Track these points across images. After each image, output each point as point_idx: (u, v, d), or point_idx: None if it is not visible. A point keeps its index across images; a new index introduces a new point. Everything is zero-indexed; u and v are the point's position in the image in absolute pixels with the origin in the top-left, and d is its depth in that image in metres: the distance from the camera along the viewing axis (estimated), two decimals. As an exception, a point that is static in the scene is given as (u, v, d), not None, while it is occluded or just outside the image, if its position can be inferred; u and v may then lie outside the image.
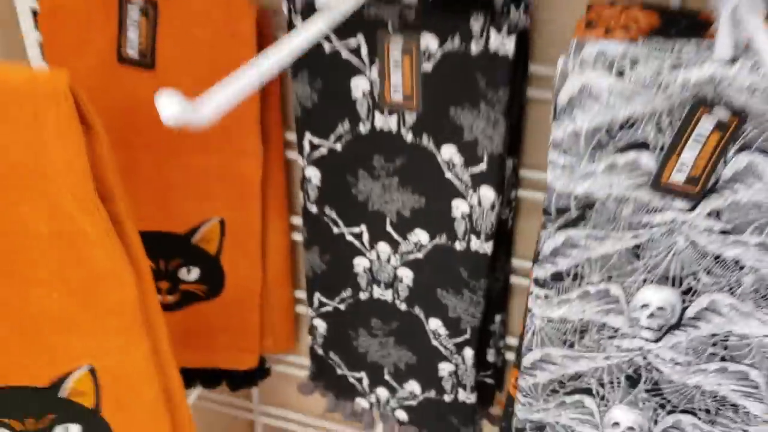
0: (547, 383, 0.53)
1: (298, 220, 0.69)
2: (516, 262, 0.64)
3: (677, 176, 0.44)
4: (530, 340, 0.52)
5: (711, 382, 0.50)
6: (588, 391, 0.53)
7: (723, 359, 0.49)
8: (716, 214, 0.45)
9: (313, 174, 0.61)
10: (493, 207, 0.56)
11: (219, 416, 0.91)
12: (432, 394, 0.67)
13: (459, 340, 0.63)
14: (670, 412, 0.52)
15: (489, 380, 0.69)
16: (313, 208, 0.63)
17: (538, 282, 0.49)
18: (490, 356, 0.67)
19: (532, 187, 0.60)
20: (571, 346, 0.52)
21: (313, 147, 0.60)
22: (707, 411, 0.51)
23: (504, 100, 0.51)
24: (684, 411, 0.52)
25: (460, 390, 0.65)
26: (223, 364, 0.77)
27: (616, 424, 0.53)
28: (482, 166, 0.55)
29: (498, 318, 0.66)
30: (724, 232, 0.46)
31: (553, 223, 0.47)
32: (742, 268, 0.47)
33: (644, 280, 0.48)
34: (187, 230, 0.70)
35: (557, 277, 0.49)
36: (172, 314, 0.74)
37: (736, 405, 0.50)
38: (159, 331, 0.58)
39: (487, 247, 0.58)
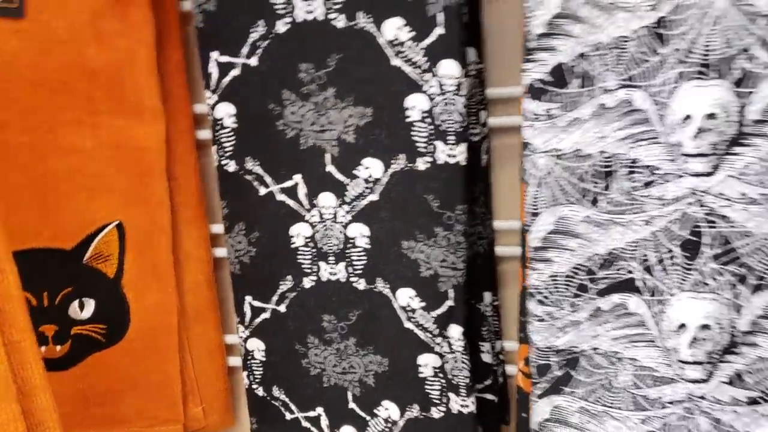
0: (570, 274, 0.38)
1: (219, 228, 0.54)
2: (499, 224, 0.49)
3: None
4: (534, 196, 0.37)
5: None
6: (631, 285, 0.37)
7: None
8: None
9: (226, 112, 0.48)
10: (458, 88, 0.42)
11: None
12: (415, 412, 0.49)
13: (440, 311, 0.46)
14: (755, 289, 0.36)
15: (490, 396, 0.50)
16: (231, 165, 0.49)
17: (534, 90, 0.36)
18: (486, 356, 0.50)
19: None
20: (594, 201, 0.37)
21: (223, 69, 0.47)
22: None
23: None
24: None
25: (452, 396, 0.47)
26: (137, 446, 0.57)
27: (683, 326, 0.37)
28: (439, 44, 0.42)
29: (488, 297, 0.50)
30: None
31: None
32: None
33: (680, 75, 0.35)
34: (76, 245, 0.53)
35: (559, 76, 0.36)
36: (63, 375, 0.55)
37: None
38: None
39: (458, 154, 0.44)
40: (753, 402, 0.37)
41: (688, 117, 0.35)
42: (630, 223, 0.36)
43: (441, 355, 0.47)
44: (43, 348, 0.55)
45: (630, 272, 0.37)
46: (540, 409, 0.41)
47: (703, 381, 0.37)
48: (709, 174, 0.35)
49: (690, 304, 0.36)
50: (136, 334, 0.55)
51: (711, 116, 0.35)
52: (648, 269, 0.36)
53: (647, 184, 0.36)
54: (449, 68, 0.43)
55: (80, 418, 0.57)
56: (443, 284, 0.46)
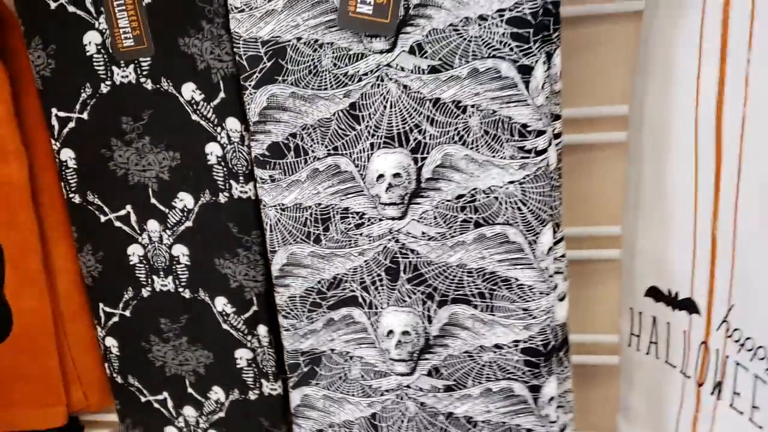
0: (304, 294, 0.48)
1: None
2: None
3: (363, 7, 0.42)
4: (271, 239, 0.48)
5: (474, 257, 0.46)
6: (354, 301, 0.48)
7: (478, 224, 0.45)
8: (418, 49, 0.43)
9: (68, 156, 0.58)
10: (242, 139, 0.52)
11: None
12: (236, 394, 0.60)
13: (247, 314, 0.57)
14: (441, 304, 0.47)
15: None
16: (76, 197, 0.59)
17: (258, 161, 0.47)
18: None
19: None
20: (318, 240, 0.47)
21: (62, 122, 0.57)
22: (482, 295, 0.46)
23: None
24: (457, 300, 0.46)
25: (264, 382, 0.58)
26: (26, 424, 0.68)
27: (391, 332, 0.48)
28: (223, 105, 0.52)
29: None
30: (434, 70, 0.43)
31: None
32: (464, 110, 0.44)
33: (372, 145, 0.45)
34: (-38, 262, 0.64)
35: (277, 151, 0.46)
36: (-42, 370, 0.66)
37: (508, 279, 0.45)
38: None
39: (249, 190, 0.54)
40: (449, 389, 0.48)
41: (381, 176, 0.45)
42: (348, 255, 0.46)
43: (252, 350, 0.58)
44: (-59, 347, 0.66)
45: (353, 291, 0.47)
46: (294, 398, 0.52)
47: (408, 374, 0.48)
48: (400, 218, 0.45)
49: (394, 316, 0.47)
50: (19, 333, 0.66)
51: (396, 175, 0.45)
52: (365, 288, 0.47)
53: (358, 226, 0.46)
54: (232, 124, 0.53)
55: (-23, 403, 0.68)
56: (248, 293, 0.57)
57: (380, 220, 0.45)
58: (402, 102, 0.43)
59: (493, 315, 0.45)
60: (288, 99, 0.44)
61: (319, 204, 0.45)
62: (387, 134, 0.44)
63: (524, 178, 0.43)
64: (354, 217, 0.45)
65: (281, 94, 0.44)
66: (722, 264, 0.43)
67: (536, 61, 0.41)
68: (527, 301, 0.45)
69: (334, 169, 0.45)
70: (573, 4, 0.55)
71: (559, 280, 0.46)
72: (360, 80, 0.43)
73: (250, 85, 0.45)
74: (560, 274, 0.46)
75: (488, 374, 0.46)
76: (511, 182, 0.43)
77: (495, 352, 0.45)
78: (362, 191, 0.45)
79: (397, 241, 0.45)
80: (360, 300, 0.47)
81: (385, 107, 0.43)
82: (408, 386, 0.47)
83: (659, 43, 0.44)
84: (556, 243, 0.45)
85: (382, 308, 0.46)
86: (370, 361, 0.48)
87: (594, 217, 0.59)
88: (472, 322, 0.45)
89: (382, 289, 0.46)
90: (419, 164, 0.44)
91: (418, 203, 0.45)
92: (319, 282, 0.47)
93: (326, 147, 0.44)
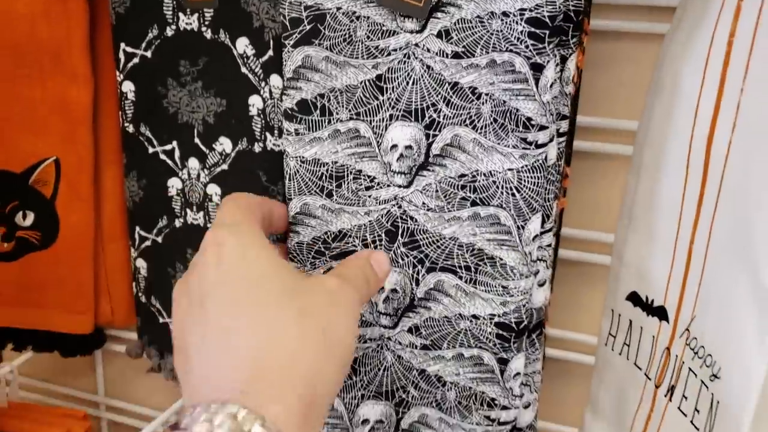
0: (311, 242, 0.52)
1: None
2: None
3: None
4: (289, 187, 0.52)
5: (466, 233, 0.49)
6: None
7: (474, 204, 0.49)
8: (445, 34, 0.47)
9: (129, 88, 0.64)
10: (281, 96, 0.57)
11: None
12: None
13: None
14: (430, 270, 0.51)
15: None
16: (130, 127, 0.65)
17: (287, 114, 0.50)
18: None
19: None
20: (330, 195, 0.51)
21: (128, 56, 0.63)
22: (467, 268, 0.50)
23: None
24: (444, 269, 0.50)
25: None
26: (56, 325, 0.75)
27: (382, 288, 0.52)
28: (270, 62, 0.57)
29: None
30: (457, 56, 0.47)
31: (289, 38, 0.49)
32: (479, 97, 0.47)
33: (391, 116, 0.48)
34: (24, 170, 0.71)
35: (305, 107, 0.50)
36: (8, 265, 0.73)
37: (493, 258, 0.49)
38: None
39: (281, 144, 0.59)
40: (425, 347, 0.52)
41: (395, 146, 0.49)
42: (355, 212, 0.50)
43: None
44: (-6, 243, 0.73)
45: (354, 246, 0.51)
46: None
47: (392, 328, 0.52)
48: (406, 187, 0.49)
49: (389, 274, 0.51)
50: (62, 242, 0.73)
51: (408, 147, 0.49)
52: (366, 245, 0.51)
53: (368, 188, 0.50)
54: (276, 80, 0.58)
55: (18, 298, 0.74)
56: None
57: (388, 185, 0.49)
58: (424, 80, 0.47)
59: (475, 288, 0.49)
60: (321, 62, 0.48)
61: (336, 162, 0.49)
62: (406, 108, 0.47)
63: (522, 167, 0.46)
64: (366, 179, 0.49)
65: (315, 56, 0.48)
66: (693, 277, 0.46)
67: (548, 61, 0.45)
68: (507, 280, 0.48)
69: (354, 133, 0.48)
70: (608, 18, 0.58)
71: (541, 267, 0.50)
72: (389, 54, 0.47)
73: (289, 44, 0.48)
74: (543, 262, 0.50)
75: (462, 340, 0.49)
76: (510, 169, 0.47)
77: (471, 321, 0.49)
78: (376, 157, 0.48)
79: (399, 207, 0.49)
80: None
81: (407, 83, 0.47)
82: (389, 338, 0.51)
83: (670, 65, 0.47)
84: (543, 232, 0.49)
85: None
86: (363, 313, 0.52)
87: (595, 222, 0.63)
88: (455, 291, 0.49)
89: (381, 249, 0.50)
90: (430, 140, 0.47)
91: (424, 176, 0.48)
92: (325, 233, 0.50)
93: (349, 111, 0.48)
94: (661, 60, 0.49)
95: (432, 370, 0.52)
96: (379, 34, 0.48)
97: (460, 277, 0.50)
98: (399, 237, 0.50)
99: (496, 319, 0.49)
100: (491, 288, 0.49)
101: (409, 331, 0.52)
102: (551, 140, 0.47)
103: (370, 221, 0.50)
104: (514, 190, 0.48)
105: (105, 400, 0.86)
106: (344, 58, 0.48)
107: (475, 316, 0.50)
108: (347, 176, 0.50)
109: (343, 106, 0.49)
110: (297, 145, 0.50)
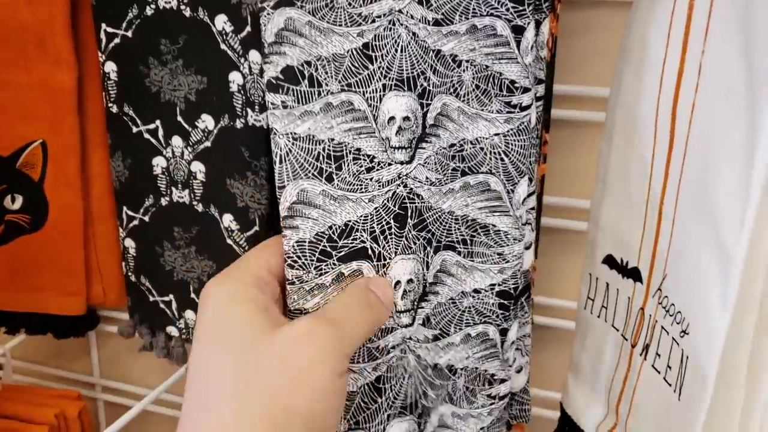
0: (314, 240, 0.45)
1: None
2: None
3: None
4: (280, 171, 0.45)
5: (460, 204, 0.48)
6: (364, 254, 0.46)
7: (464, 173, 0.47)
8: (425, 2, 0.45)
9: (111, 68, 0.65)
10: (261, 72, 0.58)
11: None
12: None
13: (249, 233, 0.63)
14: (436, 250, 0.49)
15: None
16: (114, 107, 0.66)
17: (271, 85, 0.45)
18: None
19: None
20: (330, 179, 0.46)
21: (109, 37, 0.64)
22: (464, 242, 0.48)
23: None
24: (446, 247, 0.49)
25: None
26: (48, 308, 0.76)
27: (398, 283, 0.48)
28: (249, 38, 0.58)
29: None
30: (437, 23, 0.45)
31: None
32: (459, 64, 0.46)
33: (384, 87, 0.46)
34: (11, 153, 0.72)
35: (291, 75, 0.45)
36: (-1, 249, 0.74)
37: (486, 226, 0.48)
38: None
39: (262, 119, 0.60)
40: (435, 338, 0.49)
41: (392, 118, 0.46)
42: (359, 200, 0.46)
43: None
44: (-17, 227, 0.74)
45: (363, 242, 0.46)
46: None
47: (411, 325, 0.49)
48: (408, 162, 0.46)
49: (402, 265, 0.48)
50: (52, 225, 0.74)
51: (406, 119, 0.46)
52: (375, 239, 0.46)
53: (368, 170, 0.46)
54: (255, 56, 0.59)
55: (10, 282, 0.76)
56: (251, 214, 0.63)
57: (389, 164, 0.46)
58: (411, 48, 0.45)
59: (473, 261, 0.48)
60: (305, 26, 0.44)
61: (333, 139, 0.45)
62: (398, 77, 0.45)
63: (508, 131, 0.46)
64: (365, 160, 0.45)
65: (298, 20, 0.44)
66: (663, 238, 0.47)
67: (528, 23, 0.45)
68: (502, 246, 0.47)
69: (347, 106, 0.45)
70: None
71: (527, 230, 0.50)
72: (373, 21, 0.45)
73: (268, 6, 0.44)
74: (529, 225, 0.51)
75: (467, 319, 0.48)
76: (497, 134, 0.46)
77: (473, 297, 0.48)
78: (374, 132, 0.45)
79: (405, 186, 0.46)
80: (370, 252, 0.46)
81: (396, 50, 0.45)
82: (410, 338, 0.49)
83: (636, 30, 0.48)
84: (529, 195, 0.49)
85: (390, 259, 0.47)
86: None
87: (573, 190, 0.64)
88: (456, 268, 0.48)
89: (391, 238, 0.47)
90: (424, 110, 0.46)
91: (423, 148, 0.46)
92: (330, 228, 0.45)
93: (339, 83, 0.45)
94: (629, 26, 0.50)
95: (443, 361, 0.51)
96: (361, 1, 0.45)
97: (459, 253, 0.48)
98: (408, 220, 0.47)
99: (497, 288, 0.48)
100: (487, 257, 0.48)
101: (423, 324, 0.49)
102: (533, 102, 0.47)
103: (375, 208, 0.46)
104: (503, 155, 0.47)
105: (100, 381, 0.88)
106: (327, 24, 0.45)
107: (476, 291, 0.49)
108: (346, 156, 0.46)
109: (332, 77, 0.45)
110: (286, 120, 0.45)
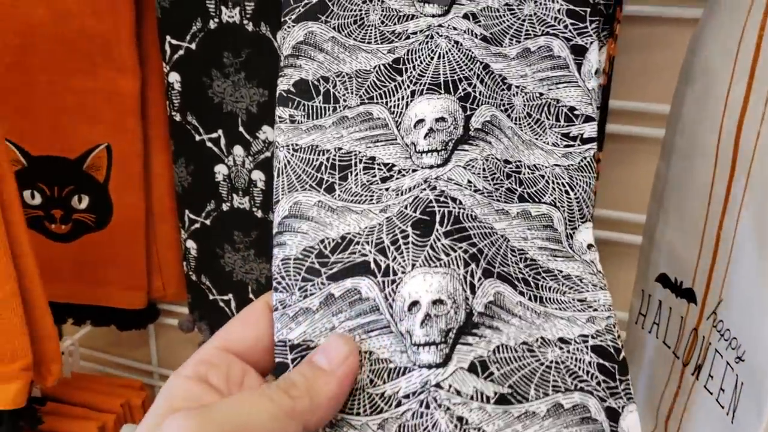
0: (301, 256, 0.36)
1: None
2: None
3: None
4: (276, 186, 0.38)
5: (517, 235, 0.38)
6: (364, 268, 0.35)
7: (522, 199, 0.39)
8: (472, 17, 0.43)
9: (175, 78, 0.67)
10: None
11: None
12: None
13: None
14: (487, 273, 0.35)
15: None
16: (177, 116, 0.68)
17: (281, 98, 0.41)
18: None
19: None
20: (330, 189, 0.38)
21: (173, 48, 0.66)
22: (525, 282, 0.36)
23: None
24: (501, 277, 0.36)
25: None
26: (112, 301, 0.79)
27: (415, 303, 0.34)
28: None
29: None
30: (486, 40, 0.42)
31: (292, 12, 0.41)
32: (509, 87, 0.42)
33: (412, 93, 0.40)
34: (78, 156, 0.74)
35: (304, 90, 0.40)
36: (66, 246, 0.77)
37: (551, 270, 0.38)
38: (28, 270, 0.60)
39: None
40: (503, 400, 0.33)
41: (421, 120, 0.40)
42: (366, 212, 0.38)
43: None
44: (53, 225, 0.77)
45: (364, 255, 0.36)
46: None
47: (441, 365, 0.33)
48: (440, 166, 0.38)
49: (423, 280, 0.35)
50: (116, 224, 0.77)
51: (440, 120, 0.40)
52: (381, 250, 0.36)
53: (383, 179, 0.38)
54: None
55: (77, 276, 0.79)
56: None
57: (413, 171, 0.38)
58: (452, 54, 0.40)
59: (545, 306, 0.36)
60: (327, 42, 0.40)
61: (340, 149, 0.39)
62: (432, 81, 0.40)
63: (569, 166, 0.40)
64: (381, 169, 0.38)
65: (320, 35, 0.40)
66: (720, 263, 0.48)
67: (591, 43, 0.40)
68: (582, 293, 0.37)
69: (364, 116, 0.39)
70: (638, 4, 0.59)
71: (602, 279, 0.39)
72: (408, 38, 0.41)
73: (289, 19, 0.40)
74: (601, 273, 0.39)
75: (555, 380, 0.34)
76: (557, 165, 0.40)
77: (561, 348, 0.35)
78: (395, 139, 0.39)
79: (434, 188, 0.37)
80: (373, 266, 0.35)
81: (432, 58, 0.40)
82: (438, 386, 0.33)
83: (703, 52, 0.49)
84: (589, 246, 0.39)
85: (403, 273, 0.35)
86: (384, 355, 0.34)
87: (624, 203, 0.64)
88: (521, 309, 0.35)
89: (406, 249, 0.36)
90: (468, 113, 0.39)
91: (465, 150, 0.39)
92: (321, 242, 0.36)
93: (360, 98, 0.40)
94: (692, 50, 0.50)
95: None
96: (396, 20, 0.41)
97: (521, 293, 0.36)
98: (437, 226, 0.36)
99: (590, 342, 0.35)
100: (566, 304, 0.37)
101: (472, 369, 0.33)
102: (596, 135, 0.41)
103: (388, 218, 0.37)
104: (568, 188, 0.40)
105: (158, 370, 0.91)
106: (354, 41, 0.41)
107: (563, 340, 0.35)
108: (355, 165, 0.38)
109: (352, 93, 0.40)
110: (291, 134, 0.39)
